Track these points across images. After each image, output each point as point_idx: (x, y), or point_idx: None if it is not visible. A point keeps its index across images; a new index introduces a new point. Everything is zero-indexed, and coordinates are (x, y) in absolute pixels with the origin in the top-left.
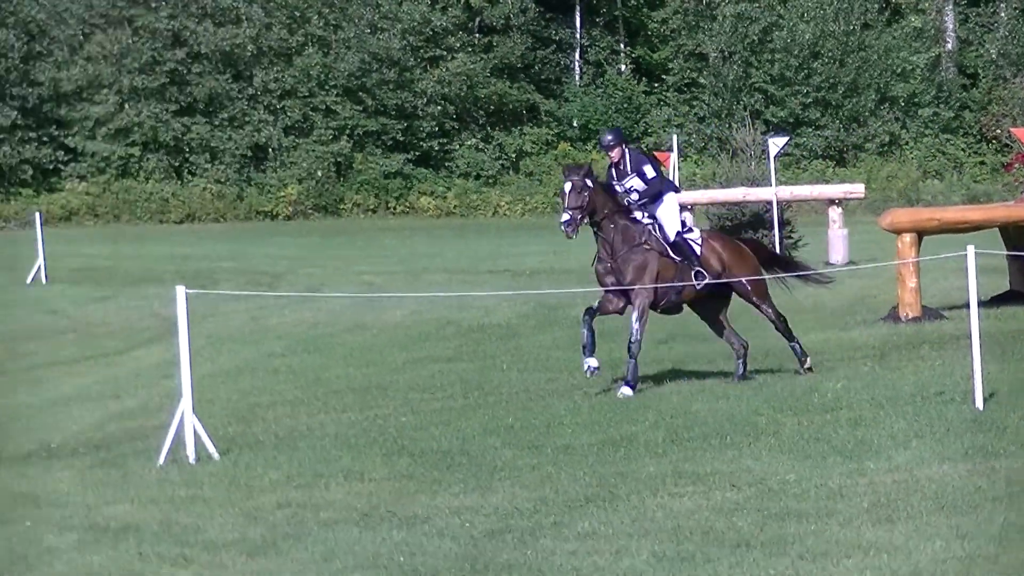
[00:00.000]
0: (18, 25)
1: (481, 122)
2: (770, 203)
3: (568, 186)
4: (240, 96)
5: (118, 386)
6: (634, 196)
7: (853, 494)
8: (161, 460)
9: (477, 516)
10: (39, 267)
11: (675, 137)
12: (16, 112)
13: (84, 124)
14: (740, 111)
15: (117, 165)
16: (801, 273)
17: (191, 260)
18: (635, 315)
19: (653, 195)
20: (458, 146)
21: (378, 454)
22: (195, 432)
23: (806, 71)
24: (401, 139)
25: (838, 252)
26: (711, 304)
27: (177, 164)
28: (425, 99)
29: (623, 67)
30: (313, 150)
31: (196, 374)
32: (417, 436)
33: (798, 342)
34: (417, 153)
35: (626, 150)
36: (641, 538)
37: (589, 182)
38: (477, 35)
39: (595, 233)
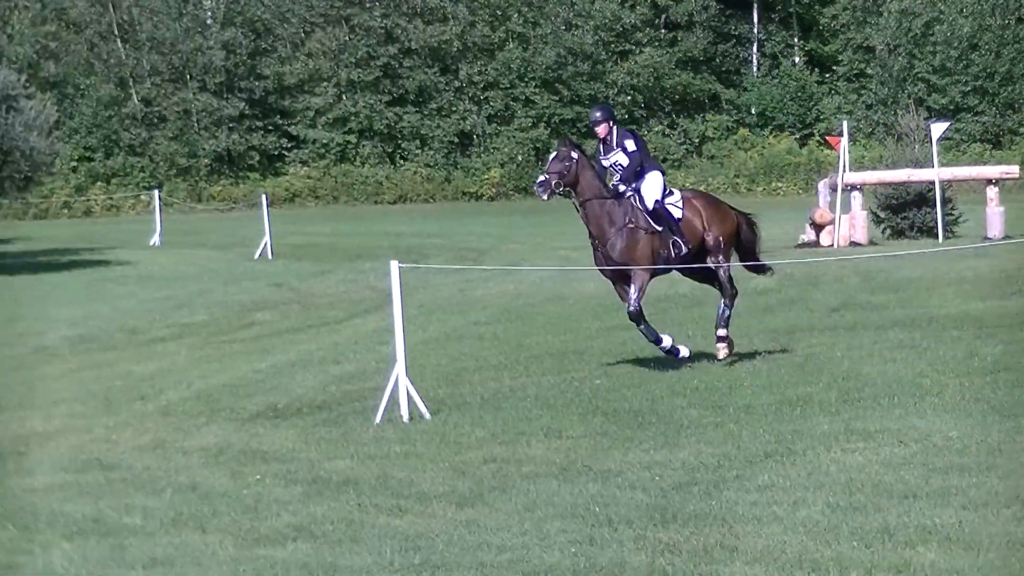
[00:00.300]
0: (246, 24)
1: (667, 110)
2: (932, 183)
3: (553, 154)
4: (447, 88)
5: (338, 352)
6: (619, 169)
7: (1011, 450)
8: (377, 419)
9: (666, 470)
10: (265, 244)
11: (845, 123)
12: (244, 103)
13: (305, 114)
14: (904, 99)
15: (336, 151)
16: (750, 263)
17: (403, 237)
18: (633, 291)
19: (635, 167)
20: (646, 132)
21: (575, 413)
22: (408, 394)
23: (965, 62)
24: None
25: (995, 228)
26: (701, 261)
27: (390, 150)
28: (616, 89)
29: (797, 59)
30: (514, 136)
31: (409, 341)
32: (610, 397)
33: (730, 309)
34: None
35: (613, 127)
36: (816, 490)
37: (574, 154)
38: (663, 31)
39: (581, 213)
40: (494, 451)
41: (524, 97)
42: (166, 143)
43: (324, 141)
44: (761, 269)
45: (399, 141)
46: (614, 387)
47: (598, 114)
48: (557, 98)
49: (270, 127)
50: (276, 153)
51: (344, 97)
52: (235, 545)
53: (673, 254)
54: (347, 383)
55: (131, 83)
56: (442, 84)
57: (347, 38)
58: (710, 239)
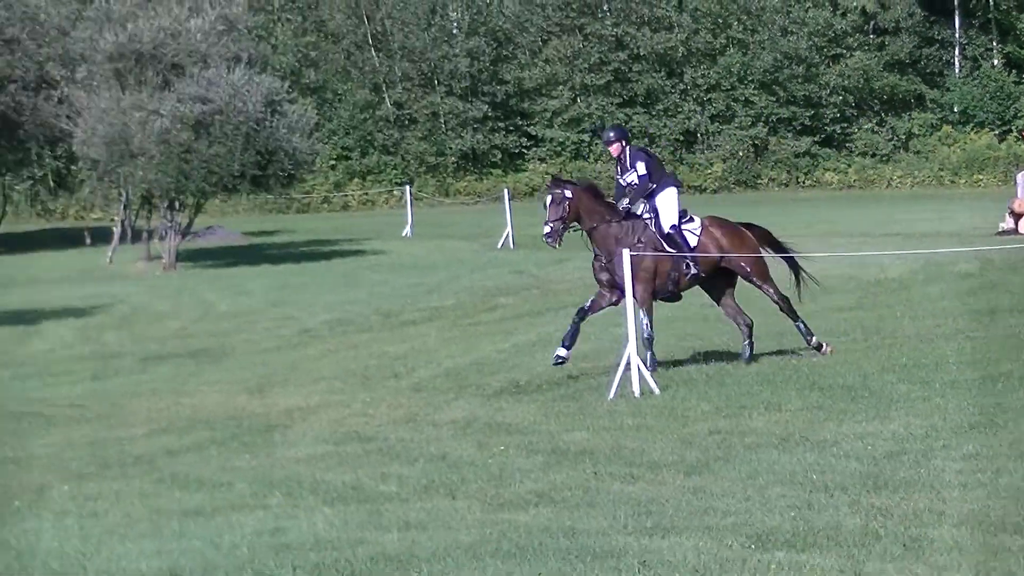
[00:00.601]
0: (488, 33)
1: (876, 109)
2: None
3: (548, 199)
4: (673, 90)
5: None
6: (634, 187)
7: None
8: (611, 395)
9: (877, 440)
10: (507, 235)
11: None
12: (487, 106)
13: (543, 115)
14: None
15: (571, 149)
16: (793, 256)
17: None
18: (641, 313)
19: (644, 190)
20: (856, 130)
21: (792, 388)
22: (639, 371)
23: None
24: (808, 124)
25: None
26: (717, 285)
27: None
28: (828, 90)
29: (996, 61)
30: (734, 134)
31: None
32: (825, 373)
33: (802, 321)
34: (822, 136)
35: (626, 147)
36: (1018, 459)
37: (568, 192)
38: (872, 36)
39: (590, 242)
40: (718, 423)
41: (744, 98)
42: (416, 143)
43: (560, 140)
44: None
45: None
46: (829, 364)
47: (611, 135)
48: (774, 98)
49: (511, 127)
50: (516, 151)
51: (578, 99)
52: (482, 510)
53: (683, 274)
54: (582, 361)
55: (384, 88)
56: (668, 87)
57: (581, 45)
58: (740, 271)
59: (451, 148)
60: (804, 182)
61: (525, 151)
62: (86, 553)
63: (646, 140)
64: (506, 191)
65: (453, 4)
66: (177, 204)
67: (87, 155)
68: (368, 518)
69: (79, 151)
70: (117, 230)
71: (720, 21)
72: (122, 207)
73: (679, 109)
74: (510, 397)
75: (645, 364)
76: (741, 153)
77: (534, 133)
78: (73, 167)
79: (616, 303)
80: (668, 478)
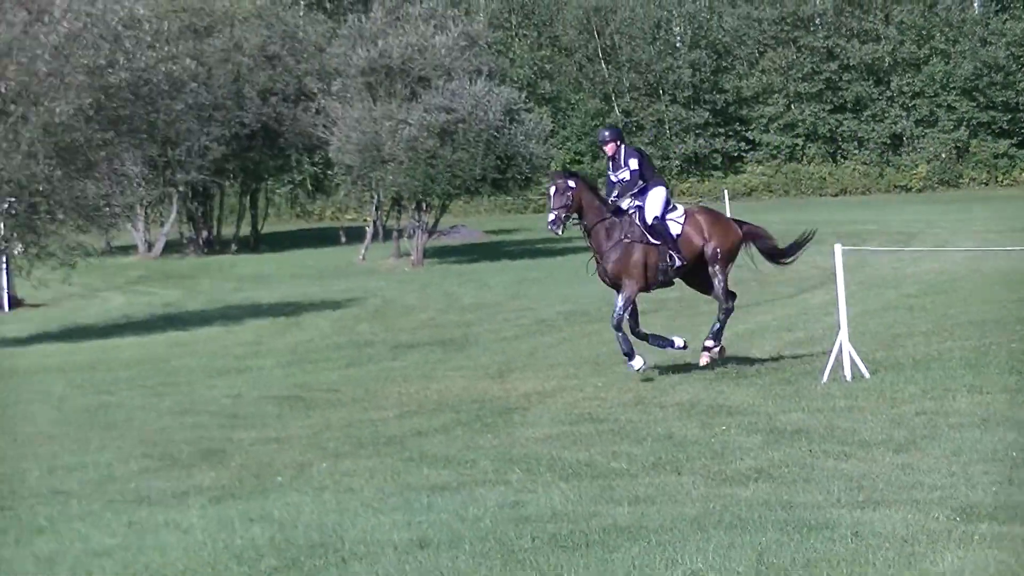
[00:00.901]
0: (709, 46)
1: None
2: None
3: (552, 189)
4: (880, 97)
5: (790, 322)
6: (622, 181)
7: None
8: (824, 378)
9: None
10: None
11: None
12: (708, 113)
13: (760, 121)
14: None
15: (786, 152)
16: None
17: (844, 224)
18: (619, 300)
19: (634, 184)
20: None
21: (993, 372)
22: (850, 357)
23: None
24: (1007, 128)
25: None
26: (703, 272)
27: (832, 151)
28: None
29: None
30: (938, 137)
31: (850, 312)
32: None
33: (722, 324)
34: (1020, 138)
35: (621, 146)
36: None
37: (572, 183)
38: None
39: (585, 234)
40: (924, 405)
41: (946, 104)
42: (643, 147)
43: (776, 144)
44: (783, 254)
45: (839, 143)
46: None
47: (607, 134)
48: (975, 104)
49: (730, 133)
50: (735, 155)
51: (792, 107)
52: (705, 485)
53: (669, 265)
54: (798, 348)
55: (613, 98)
56: (876, 94)
57: (795, 57)
58: (708, 250)
59: (675, 152)
60: (1003, 181)
61: (743, 154)
62: (342, 525)
63: (855, 143)
64: (725, 191)
65: (676, 19)
66: (424, 205)
67: (342, 161)
68: (600, 492)
69: (335, 157)
70: (369, 230)
71: (924, 33)
72: (374, 208)
73: (886, 115)
74: (731, 381)
75: (622, 349)
76: (944, 155)
77: (751, 138)
78: (329, 172)
79: (649, 290)
80: (878, 455)
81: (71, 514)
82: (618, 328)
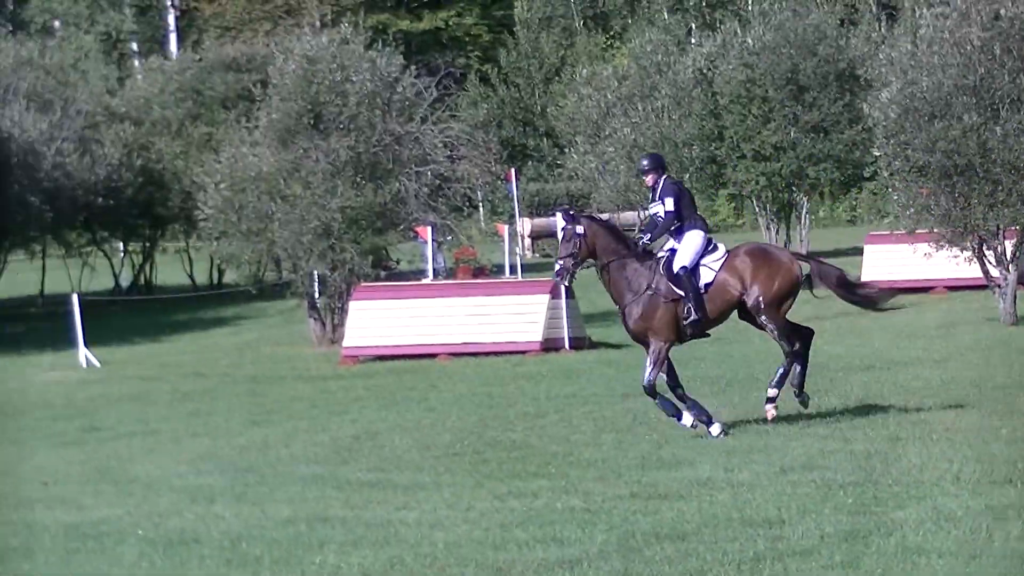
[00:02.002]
0: None
1: None
2: None
3: (560, 235)
4: None
5: None
6: (657, 220)
7: None
8: None
9: None
10: None
11: None
12: None
13: None
14: None
15: None
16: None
17: None
18: (648, 362)
19: (668, 227)
20: None
21: None
22: None
23: None
24: None
25: None
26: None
27: None
28: None
29: None
30: None
31: None
32: None
33: (787, 368)
34: None
35: (661, 178)
36: None
37: (580, 228)
38: None
39: (601, 277)
40: None
41: None
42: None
43: None
44: (867, 301)
45: None
46: None
47: (645, 163)
48: None
49: None
50: None
51: None
52: None
53: (685, 319)
54: None
55: None
56: None
57: None
58: (750, 301)
59: None
60: None
61: None
62: None
63: None
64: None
65: None
66: None
67: None
68: None
69: None
70: None
71: None
72: None
73: None
74: None
75: (667, 414)
76: None
77: None
78: None
79: (682, 342)
80: None
81: None
82: (652, 395)
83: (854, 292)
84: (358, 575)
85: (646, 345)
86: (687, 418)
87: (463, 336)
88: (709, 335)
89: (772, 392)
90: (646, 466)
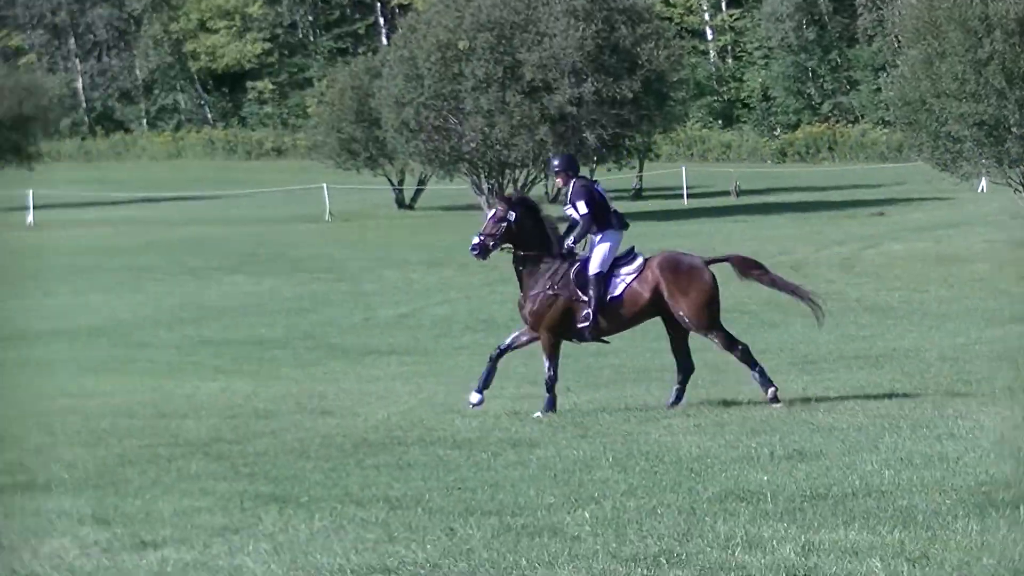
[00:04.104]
0: None
1: None
2: None
3: (491, 212)
4: None
5: None
6: (574, 223)
7: None
8: None
9: None
10: None
11: None
12: None
13: None
14: None
15: None
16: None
17: None
18: (546, 361)
19: (587, 230)
20: None
21: None
22: None
23: None
24: None
25: None
26: (670, 324)
27: None
28: None
29: None
30: None
31: None
32: None
33: (761, 367)
34: None
35: (572, 180)
36: None
37: (513, 215)
38: None
39: (515, 267)
40: None
41: None
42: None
43: None
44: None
45: None
46: None
47: (556, 163)
48: None
49: None
50: None
51: None
52: None
53: (582, 323)
54: None
55: None
56: None
57: None
58: (682, 322)
59: None
60: None
61: None
62: None
63: None
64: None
65: None
66: None
67: None
68: None
69: None
70: None
71: None
72: None
73: None
74: None
75: (543, 406)
76: None
77: None
78: None
79: (582, 342)
80: None
81: None
82: (548, 390)
83: (777, 279)
84: None
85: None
86: (475, 396)
87: None
88: (608, 342)
89: (771, 392)
90: None
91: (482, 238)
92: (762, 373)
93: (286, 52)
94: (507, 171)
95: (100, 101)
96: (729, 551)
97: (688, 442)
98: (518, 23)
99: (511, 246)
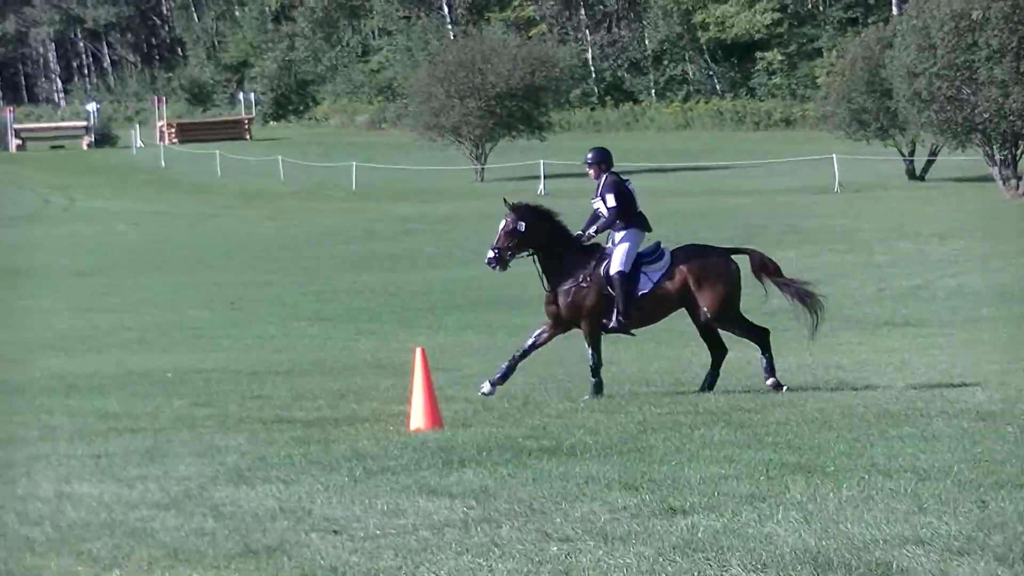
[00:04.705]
0: None
1: None
2: None
3: (501, 225)
4: None
5: None
6: (599, 215)
7: None
8: None
9: None
10: None
11: None
12: None
13: None
14: None
15: None
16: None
17: None
18: (588, 349)
19: (611, 223)
20: None
21: None
22: None
23: None
24: None
25: None
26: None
27: None
28: None
29: None
30: None
31: None
32: None
33: (770, 354)
34: None
35: (603, 173)
36: None
37: (522, 226)
38: None
39: (536, 262)
40: None
41: None
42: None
43: None
44: (800, 295)
45: None
46: None
47: (589, 156)
48: None
49: None
50: None
51: None
52: None
53: (608, 319)
54: None
55: None
56: None
57: None
58: (703, 317)
59: None
60: None
61: None
62: None
63: None
64: None
65: None
66: None
67: None
68: None
69: None
70: None
71: None
72: None
73: None
74: None
75: (591, 391)
76: None
77: None
78: None
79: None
80: None
81: None
82: (594, 375)
83: (790, 284)
84: None
85: (560, 327)
86: (486, 386)
87: None
88: (634, 335)
89: (770, 382)
90: None
91: (497, 251)
92: (770, 361)
93: (795, 22)
94: (1020, 142)
95: (610, 72)
96: None
97: None
98: None
99: (531, 251)
